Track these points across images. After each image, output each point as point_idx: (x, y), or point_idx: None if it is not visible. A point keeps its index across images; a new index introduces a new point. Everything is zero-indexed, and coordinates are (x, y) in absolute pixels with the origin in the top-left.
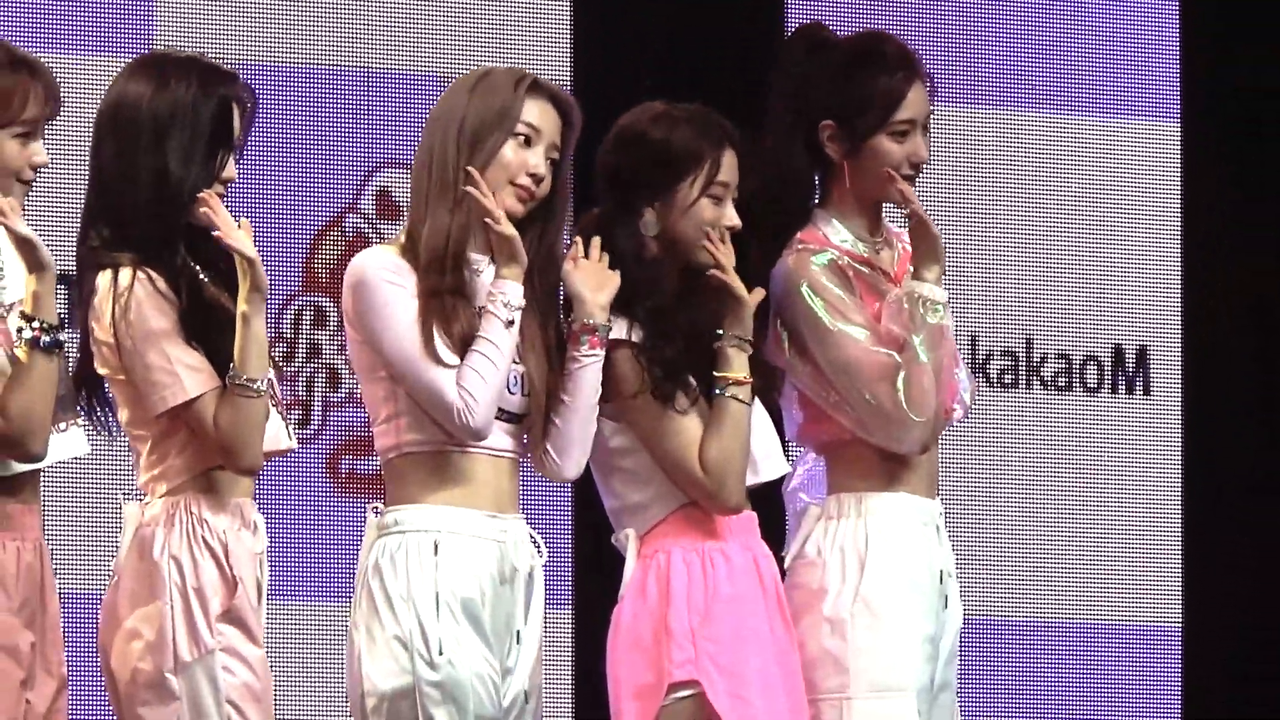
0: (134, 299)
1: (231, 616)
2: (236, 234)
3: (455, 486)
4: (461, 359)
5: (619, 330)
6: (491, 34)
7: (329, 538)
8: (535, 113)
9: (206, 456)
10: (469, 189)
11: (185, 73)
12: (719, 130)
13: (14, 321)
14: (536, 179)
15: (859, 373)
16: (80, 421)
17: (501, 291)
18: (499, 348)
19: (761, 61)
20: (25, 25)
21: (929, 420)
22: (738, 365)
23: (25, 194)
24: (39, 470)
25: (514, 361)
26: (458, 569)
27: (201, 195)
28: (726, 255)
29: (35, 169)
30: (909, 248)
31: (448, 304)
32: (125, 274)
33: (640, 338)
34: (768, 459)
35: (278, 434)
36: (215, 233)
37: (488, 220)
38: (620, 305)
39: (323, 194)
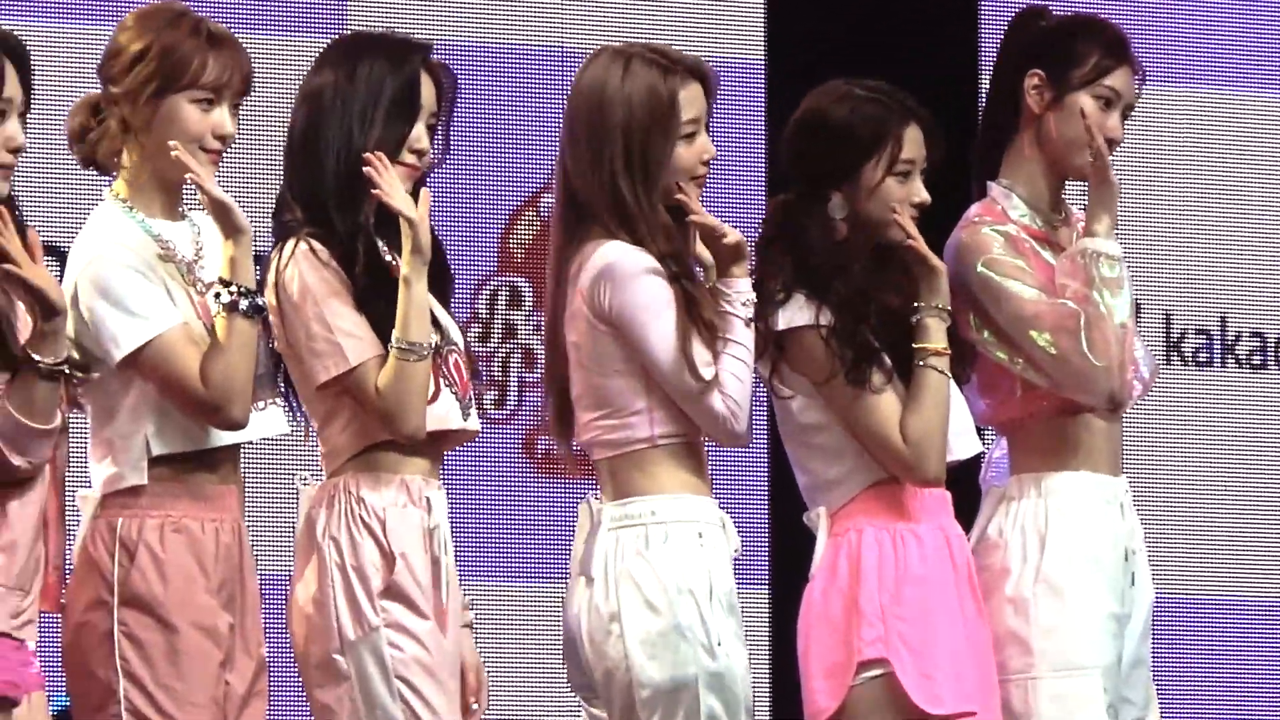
0: (296, 269)
1: (394, 592)
2: (399, 195)
3: (698, 477)
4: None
5: (808, 315)
6: (685, 11)
7: (524, 518)
8: (692, 105)
9: (368, 433)
10: (682, 198)
11: (373, 48)
12: (901, 107)
13: (213, 289)
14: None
15: (1040, 325)
16: (279, 401)
17: (737, 290)
18: (747, 347)
19: (955, 37)
20: (220, 7)
21: (1113, 368)
22: (936, 336)
23: (214, 163)
24: (238, 448)
25: None
26: (720, 560)
27: (367, 155)
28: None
29: (220, 139)
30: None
31: (701, 305)
32: (289, 245)
33: (830, 321)
34: (960, 438)
35: (448, 414)
36: (375, 191)
37: (709, 231)
38: (810, 289)
39: (518, 174)
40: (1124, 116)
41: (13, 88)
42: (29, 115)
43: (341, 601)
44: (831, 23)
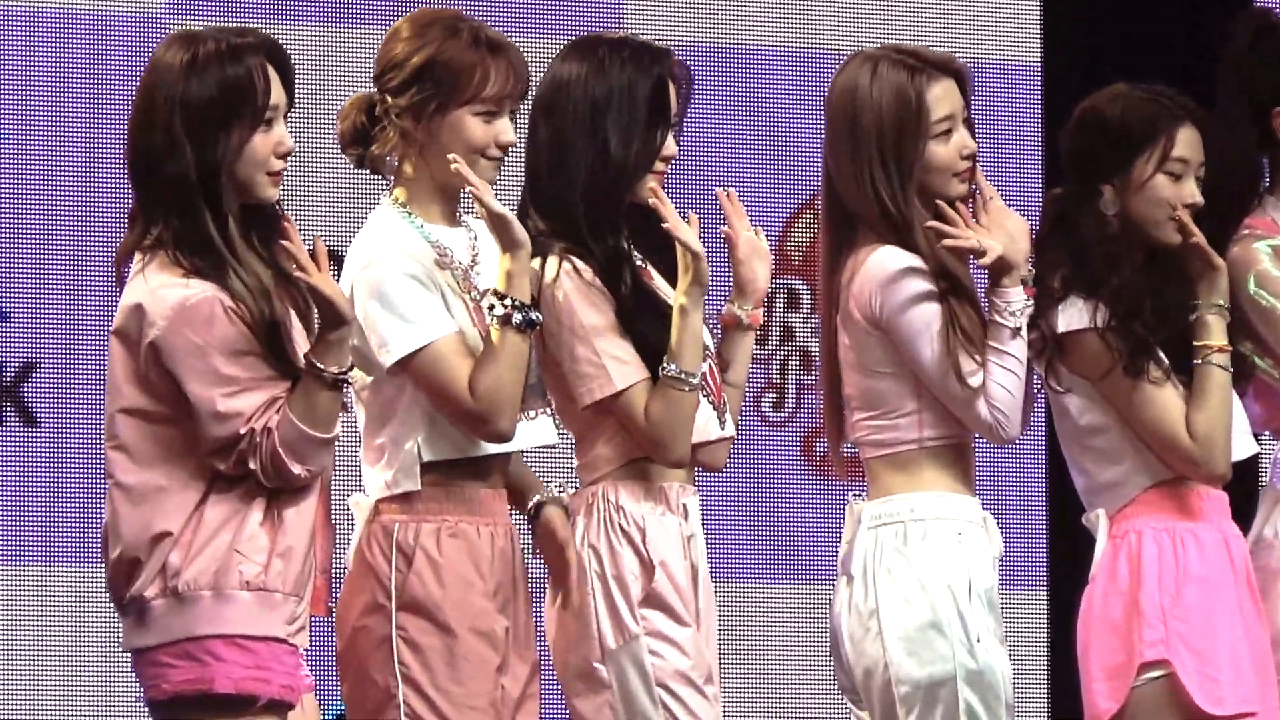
0: (560, 290)
1: (654, 600)
2: (683, 227)
3: (962, 478)
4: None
5: (1085, 317)
6: (961, 22)
7: (805, 518)
8: (944, 102)
9: (634, 446)
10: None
11: (619, 53)
12: (1175, 106)
13: (487, 300)
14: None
15: None
16: (549, 411)
17: (1007, 300)
18: (1016, 358)
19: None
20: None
21: None
22: (1217, 333)
23: (495, 169)
24: (508, 455)
25: None
26: (980, 558)
27: (651, 186)
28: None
29: (502, 147)
30: None
31: (959, 315)
32: (552, 263)
33: (1105, 318)
34: (1238, 438)
35: (707, 424)
36: (664, 225)
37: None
38: (1085, 287)
39: (795, 176)
40: None
41: (278, 93)
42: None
43: (602, 610)
44: (1107, 30)
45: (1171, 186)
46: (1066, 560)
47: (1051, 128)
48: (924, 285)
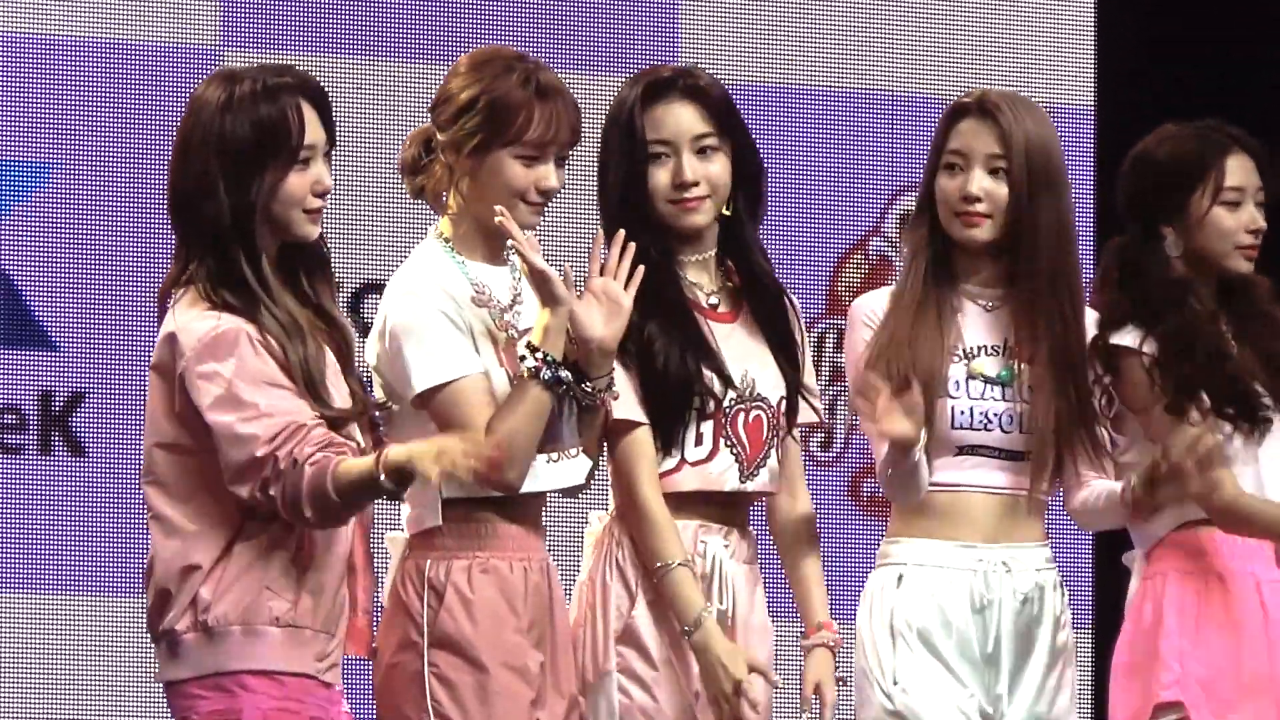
0: None
1: (629, 637)
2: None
3: (952, 523)
4: None
5: (1133, 339)
6: (1015, 58)
7: (852, 559)
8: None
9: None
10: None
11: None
12: (1222, 136)
13: (521, 348)
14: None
15: None
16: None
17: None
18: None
19: None
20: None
21: None
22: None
23: (537, 214)
24: (538, 495)
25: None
26: (919, 600)
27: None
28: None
29: (543, 193)
30: None
31: None
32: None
33: (1154, 350)
34: None
35: (723, 474)
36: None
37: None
38: (1142, 320)
39: (848, 217)
40: None
41: (315, 132)
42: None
43: (585, 642)
44: (1162, 67)
45: (1231, 216)
46: (1111, 600)
47: (1106, 170)
48: None
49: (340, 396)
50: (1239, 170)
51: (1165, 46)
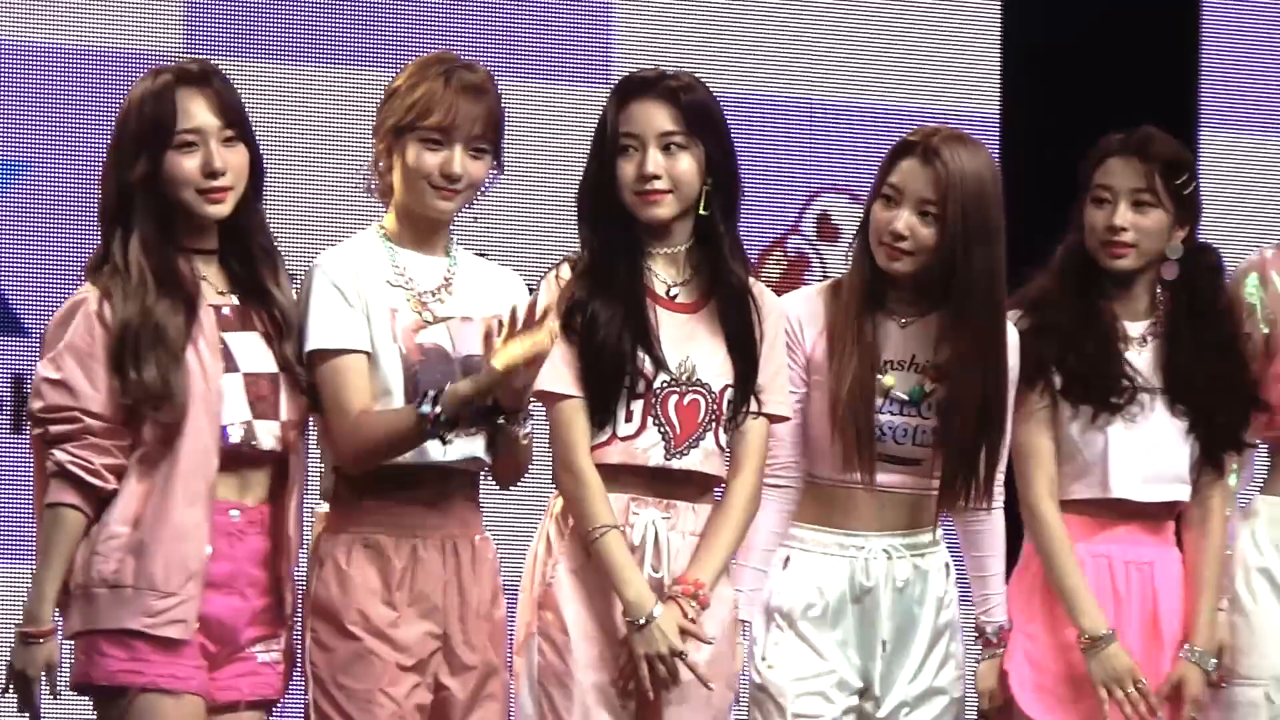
0: None
1: (548, 601)
2: None
3: (833, 511)
4: None
5: (1013, 314)
6: (918, 65)
7: None
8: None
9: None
10: None
11: None
12: (1117, 138)
13: (433, 393)
14: None
15: None
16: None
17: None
18: None
19: (1172, 90)
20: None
21: None
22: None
23: (449, 199)
24: (441, 469)
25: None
26: (797, 583)
27: None
28: None
29: (447, 177)
30: None
31: None
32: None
33: (1023, 323)
34: (1165, 485)
35: (649, 449)
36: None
37: None
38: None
39: (769, 216)
40: None
41: (198, 118)
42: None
43: (521, 605)
44: (1066, 72)
45: (1098, 214)
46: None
47: (1009, 174)
48: None
49: (255, 361)
50: (1112, 171)
51: (1069, 51)
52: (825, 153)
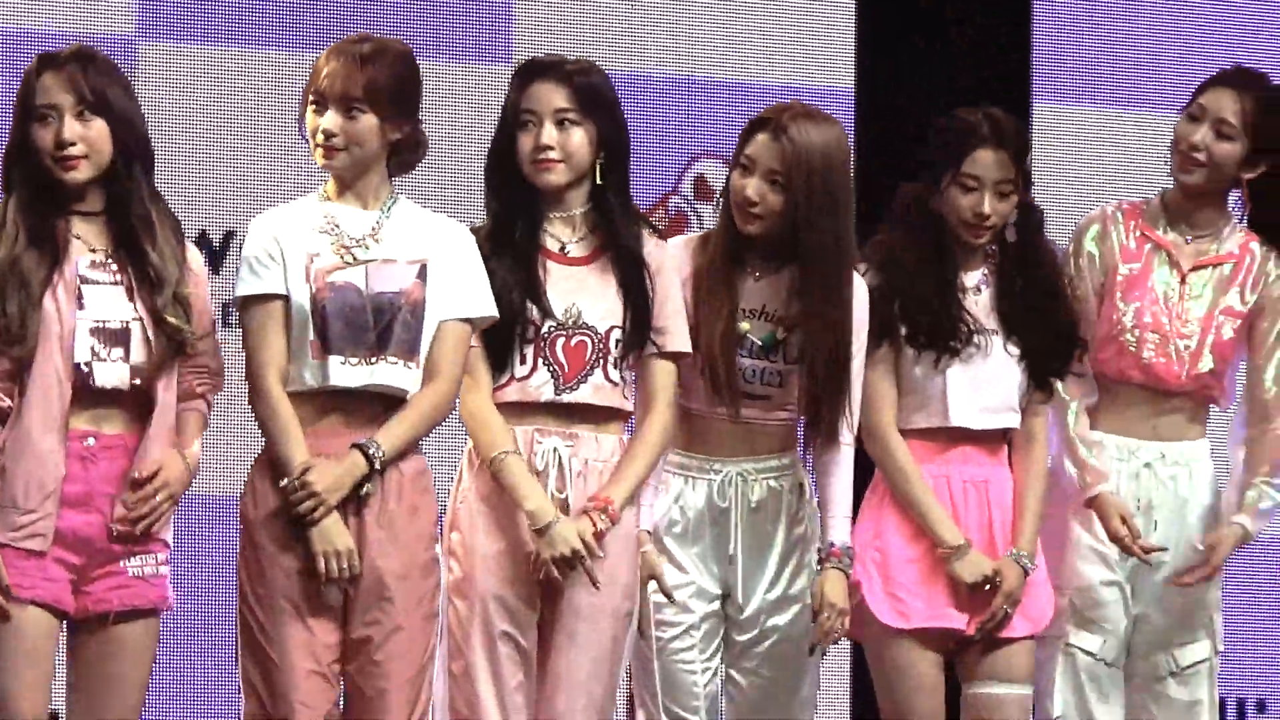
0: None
1: (455, 522)
2: None
3: (693, 438)
4: None
5: (865, 274)
6: (775, 42)
7: None
8: None
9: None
10: None
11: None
12: (984, 130)
13: (376, 436)
14: None
15: None
16: (404, 362)
17: None
18: None
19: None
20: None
21: None
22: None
23: (330, 156)
24: (349, 392)
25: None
26: (668, 505)
27: None
28: None
29: (323, 133)
30: None
31: None
32: None
33: (874, 282)
34: (998, 414)
35: (540, 387)
36: None
37: None
38: (879, 251)
39: (651, 179)
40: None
41: (54, 95)
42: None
43: (442, 529)
44: (920, 53)
45: (965, 199)
46: None
47: (864, 151)
48: None
49: (107, 310)
50: (979, 161)
51: (923, 32)
52: (702, 123)
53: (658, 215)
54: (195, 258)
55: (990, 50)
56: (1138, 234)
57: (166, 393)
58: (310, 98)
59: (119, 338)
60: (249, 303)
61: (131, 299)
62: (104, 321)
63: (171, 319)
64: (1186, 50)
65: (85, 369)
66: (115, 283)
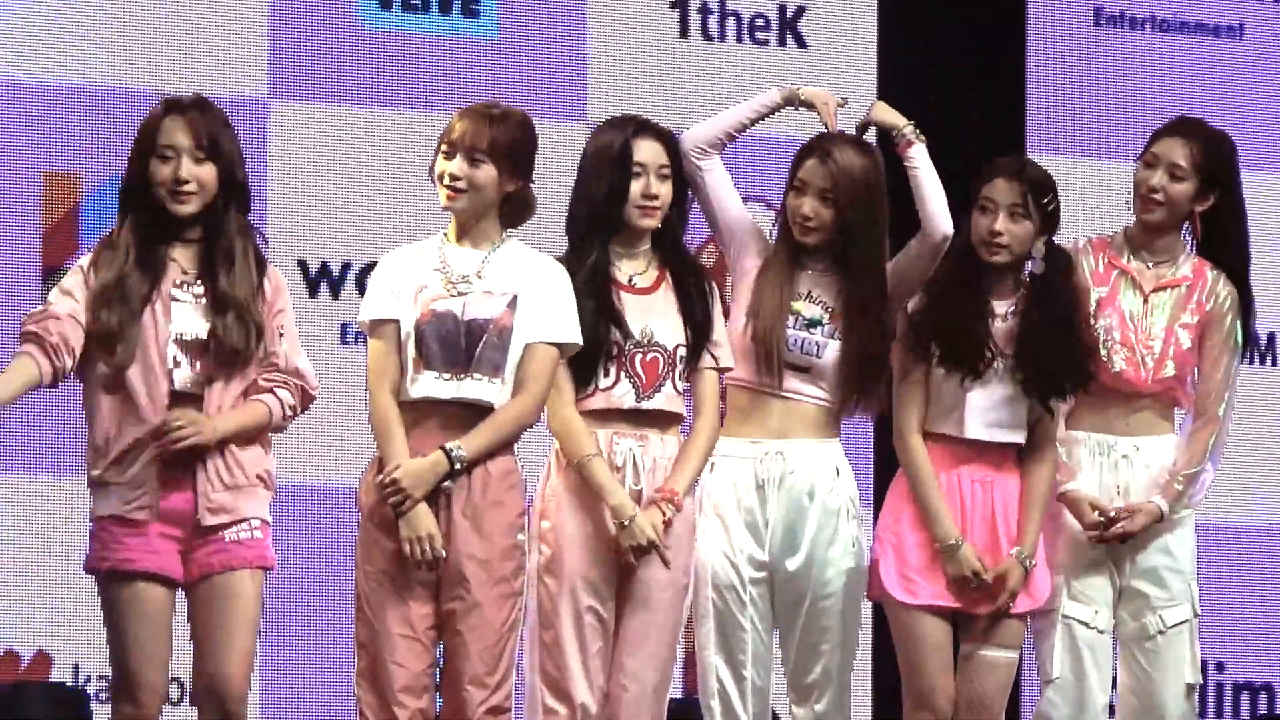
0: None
1: (544, 512)
2: None
3: (747, 419)
4: None
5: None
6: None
7: None
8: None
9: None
10: None
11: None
12: (1002, 162)
13: (460, 444)
14: None
15: None
16: (491, 378)
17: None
18: None
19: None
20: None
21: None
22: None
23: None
24: (443, 403)
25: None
26: (719, 484)
27: None
28: None
29: (453, 176)
30: None
31: None
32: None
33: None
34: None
35: (623, 396)
36: None
37: None
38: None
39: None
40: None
41: (173, 137)
42: None
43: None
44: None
45: (981, 220)
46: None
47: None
48: None
49: (185, 325)
50: (996, 187)
51: (935, 84)
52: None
53: (709, 248)
54: (277, 283)
55: (986, 104)
56: (1105, 262)
57: (224, 394)
58: (442, 147)
59: (193, 348)
60: (372, 325)
61: (204, 317)
62: (183, 334)
63: (228, 336)
64: (1137, 104)
65: (170, 372)
66: (196, 301)
